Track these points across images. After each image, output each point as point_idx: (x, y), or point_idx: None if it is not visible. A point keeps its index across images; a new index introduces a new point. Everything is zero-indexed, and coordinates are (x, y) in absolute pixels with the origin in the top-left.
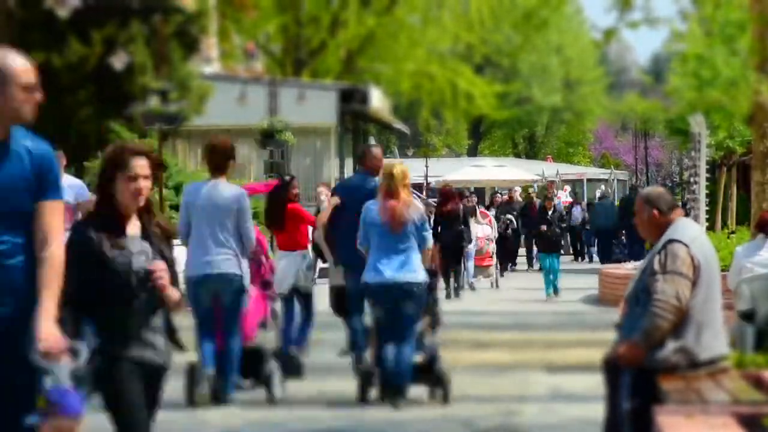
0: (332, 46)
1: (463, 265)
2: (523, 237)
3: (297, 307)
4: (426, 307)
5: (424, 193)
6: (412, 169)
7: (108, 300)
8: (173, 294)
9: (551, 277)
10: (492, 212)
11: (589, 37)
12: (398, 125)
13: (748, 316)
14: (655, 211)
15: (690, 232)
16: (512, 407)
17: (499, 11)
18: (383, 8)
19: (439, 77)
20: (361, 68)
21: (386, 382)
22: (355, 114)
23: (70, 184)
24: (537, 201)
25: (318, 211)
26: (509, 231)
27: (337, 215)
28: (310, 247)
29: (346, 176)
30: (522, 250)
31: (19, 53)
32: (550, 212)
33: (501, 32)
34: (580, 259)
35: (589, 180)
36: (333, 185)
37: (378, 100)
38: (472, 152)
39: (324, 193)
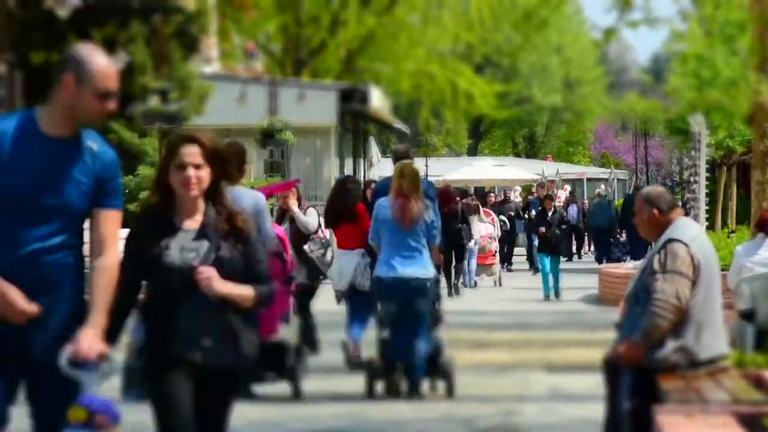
0: (332, 46)
1: (466, 263)
2: (525, 236)
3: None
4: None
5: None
6: None
7: (157, 297)
8: (222, 291)
9: (551, 278)
10: None
11: (589, 36)
12: (398, 125)
13: (748, 316)
14: (655, 211)
15: (690, 231)
16: (512, 407)
17: (499, 11)
18: (383, 8)
19: (439, 77)
20: (361, 68)
21: (403, 377)
22: (355, 114)
23: None
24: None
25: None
26: (501, 232)
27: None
28: None
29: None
30: (521, 250)
31: (103, 54)
32: (550, 213)
33: (501, 32)
34: (576, 257)
35: (589, 179)
36: (333, 185)
37: (378, 100)
38: (472, 152)
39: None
